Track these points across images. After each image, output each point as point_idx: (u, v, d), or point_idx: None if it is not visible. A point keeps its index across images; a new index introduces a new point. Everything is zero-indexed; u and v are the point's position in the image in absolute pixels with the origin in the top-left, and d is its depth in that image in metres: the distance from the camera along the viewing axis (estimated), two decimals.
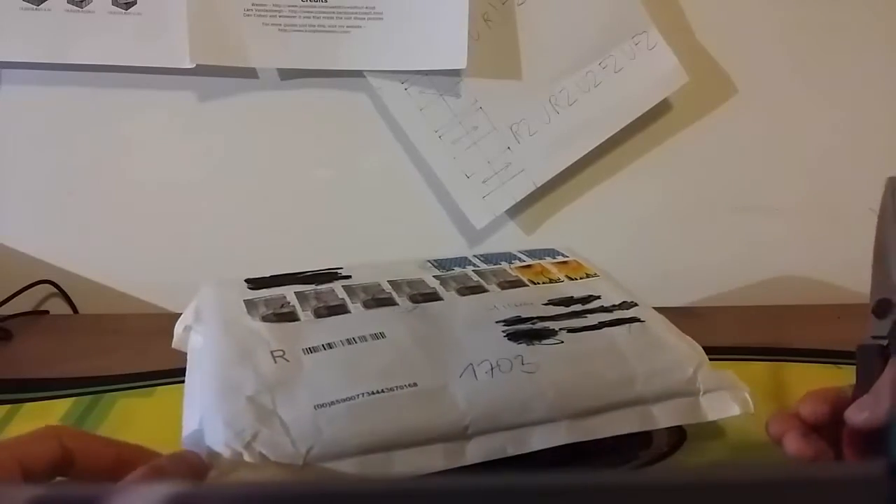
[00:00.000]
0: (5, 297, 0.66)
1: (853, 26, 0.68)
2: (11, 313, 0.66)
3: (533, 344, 0.43)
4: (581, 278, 0.52)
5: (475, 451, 0.38)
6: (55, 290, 0.69)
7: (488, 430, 0.38)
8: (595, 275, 0.53)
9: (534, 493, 0.19)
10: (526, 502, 0.19)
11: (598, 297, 0.49)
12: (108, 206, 0.68)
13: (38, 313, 0.69)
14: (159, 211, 0.69)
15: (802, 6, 0.67)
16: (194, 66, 0.62)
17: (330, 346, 0.41)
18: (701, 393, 0.43)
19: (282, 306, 0.45)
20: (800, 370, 0.57)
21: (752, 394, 0.44)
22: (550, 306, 0.47)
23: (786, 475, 0.20)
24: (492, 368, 0.40)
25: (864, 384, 0.38)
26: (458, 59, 0.62)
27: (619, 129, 0.66)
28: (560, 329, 0.44)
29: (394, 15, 0.63)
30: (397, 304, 0.46)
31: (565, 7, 0.64)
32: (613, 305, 0.48)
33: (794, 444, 0.38)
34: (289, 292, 0.46)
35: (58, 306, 0.70)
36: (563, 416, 0.40)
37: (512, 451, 0.38)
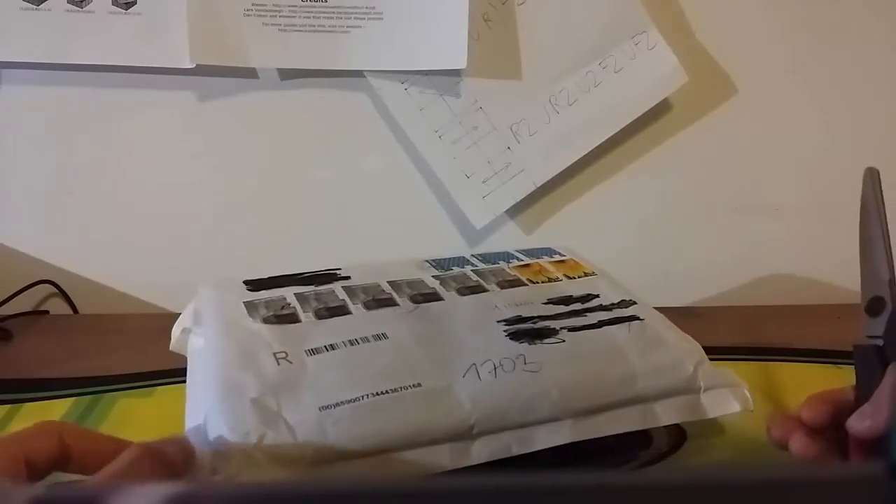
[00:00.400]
0: (5, 297, 0.66)
1: (853, 26, 0.68)
2: (11, 313, 0.66)
3: (535, 343, 0.43)
4: (579, 277, 0.52)
5: (481, 451, 0.38)
6: (55, 290, 0.69)
7: (493, 430, 0.38)
8: (592, 273, 0.53)
9: (534, 493, 0.19)
10: (526, 502, 0.19)
11: (597, 296, 0.49)
12: (108, 206, 0.68)
13: (38, 313, 0.69)
14: (159, 211, 0.69)
15: (802, 6, 0.67)
16: (194, 66, 0.62)
17: (332, 347, 0.41)
18: (702, 390, 0.43)
19: (282, 308, 0.44)
20: (800, 370, 0.57)
21: (751, 392, 0.44)
22: (550, 305, 0.47)
23: (786, 475, 0.20)
24: (495, 368, 0.40)
25: (863, 386, 0.38)
26: (458, 59, 0.62)
27: (619, 129, 0.66)
28: (561, 328, 0.44)
29: (394, 15, 0.63)
30: (398, 305, 0.46)
31: (565, 7, 0.64)
32: (612, 304, 0.48)
33: (799, 444, 0.38)
34: (289, 294, 0.46)
35: (58, 306, 0.70)
36: (566, 415, 0.40)
37: (517, 451, 0.38)
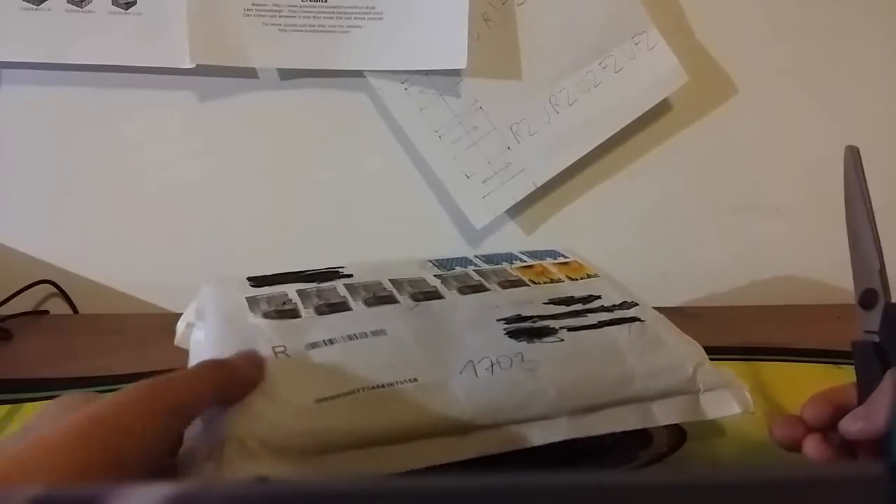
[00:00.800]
0: (5, 297, 0.66)
1: (853, 26, 0.68)
2: (11, 313, 0.66)
3: (533, 342, 0.43)
4: (582, 278, 0.52)
5: (476, 446, 0.38)
6: (55, 290, 0.69)
7: (489, 425, 0.38)
8: (596, 275, 0.53)
9: (534, 493, 0.19)
10: (526, 502, 0.19)
11: (599, 297, 0.49)
12: (108, 206, 0.68)
13: (38, 313, 0.69)
14: (159, 211, 0.69)
15: (802, 6, 0.67)
16: (194, 66, 0.62)
17: (331, 341, 0.41)
18: (701, 391, 0.43)
19: (283, 303, 0.45)
20: (800, 370, 0.57)
21: (751, 392, 0.44)
22: (551, 305, 0.47)
23: (786, 475, 0.20)
24: (492, 365, 0.40)
25: (863, 384, 0.38)
26: (458, 59, 0.62)
27: (619, 129, 0.66)
28: (560, 328, 0.44)
29: (394, 15, 0.63)
30: (398, 303, 0.46)
31: (565, 7, 0.64)
32: (614, 305, 0.48)
33: (813, 447, 0.37)
34: (290, 290, 0.46)
35: (58, 306, 0.70)
36: (563, 414, 0.40)
37: (513, 447, 0.39)
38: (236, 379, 0.36)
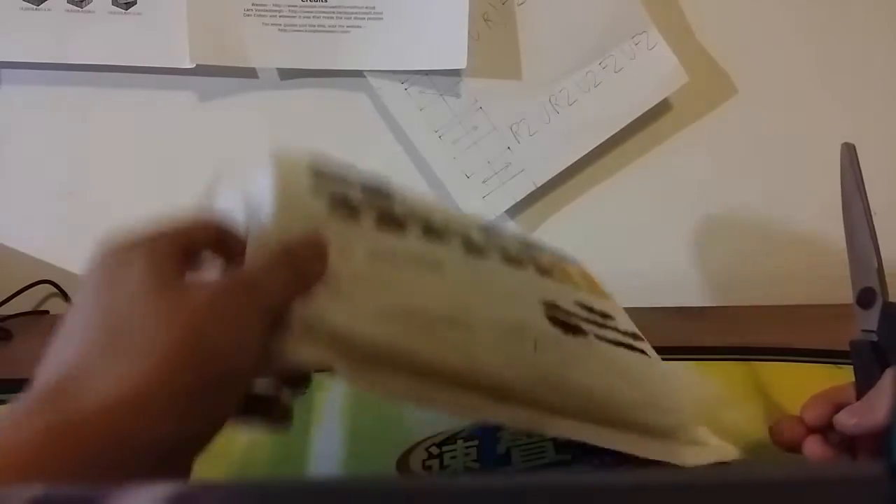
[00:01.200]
0: (5, 297, 0.66)
1: (853, 26, 0.68)
2: (11, 313, 0.66)
3: (568, 335, 0.43)
4: (597, 294, 0.52)
5: (508, 415, 0.38)
6: (55, 290, 0.69)
7: (521, 401, 0.38)
8: (608, 296, 0.53)
9: (535, 493, 0.19)
10: (527, 502, 0.19)
11: (614, 318, 0.49)
12: (108, 206, 0.68)
13: (38, 313, 0.69)
14: (159, 211, 0.69)
15: (802, 6, 0.67)
16: (194, 66, 0.62)
17: (395, 262, 0.39)
18: (694, 439, 0.43)
19: (346, 200, 0.40)
20: (800, 370, 0.57)
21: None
22: (578, 308, 0.47)
23: (786, 475, 0.20)
24: (535, 343, 0.40)
25: (862, 383, 0.38)
26: (458, 59, 0.62)
27: (619, 129, 0.66)
28: (589, 332, 0.44)
29: (394, 15, 0.63)
30: (451, 244, 0.43)
31: (565, 7, 0.64)
32: (626, 332, 0.48)
33: (813, 448, 0.38)
34: (353, 190, 0.41)
35: (58, 306, 0.70)
36: (582, 418, 0.40)
37: (537, 429, 0.39)
38: (305, 270, 0.34)
